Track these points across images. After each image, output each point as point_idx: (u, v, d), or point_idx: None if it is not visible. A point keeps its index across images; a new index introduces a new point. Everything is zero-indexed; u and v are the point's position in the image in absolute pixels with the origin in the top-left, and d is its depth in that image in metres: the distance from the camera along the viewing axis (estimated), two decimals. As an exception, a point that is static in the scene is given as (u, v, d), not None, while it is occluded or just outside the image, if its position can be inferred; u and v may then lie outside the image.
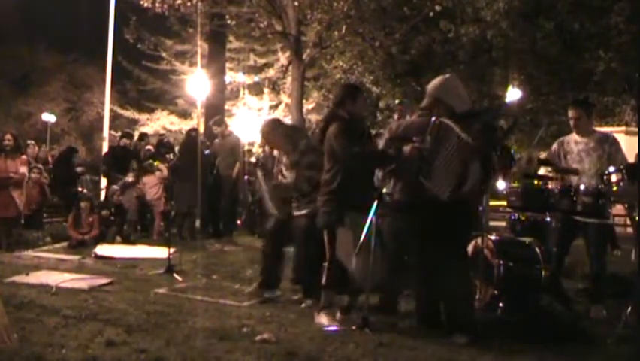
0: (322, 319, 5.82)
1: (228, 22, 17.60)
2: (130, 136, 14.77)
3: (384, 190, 6.53)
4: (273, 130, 7.12)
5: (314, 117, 24.63)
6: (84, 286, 7.05)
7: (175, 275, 8.00)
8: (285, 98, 25.32)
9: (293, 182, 6.85)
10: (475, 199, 5.80)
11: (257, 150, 17.54)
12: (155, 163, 12.93)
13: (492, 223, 8.01)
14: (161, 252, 9.20)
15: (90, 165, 17.78)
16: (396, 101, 6.63)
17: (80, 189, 14.22)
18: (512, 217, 7.57)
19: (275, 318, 5.95)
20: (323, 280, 5.93)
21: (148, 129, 25.65)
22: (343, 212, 5.78)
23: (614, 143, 6.83)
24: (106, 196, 12.97)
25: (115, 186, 12.48)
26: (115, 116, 27.74)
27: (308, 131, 16.20)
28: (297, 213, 6.71)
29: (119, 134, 15.48)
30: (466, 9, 19.25)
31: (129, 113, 28.86)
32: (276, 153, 7.61)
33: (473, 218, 5.71)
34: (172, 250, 8.59)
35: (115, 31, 21.19)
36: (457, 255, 5.55)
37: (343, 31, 16.69)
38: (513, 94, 20.80)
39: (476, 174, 5.45)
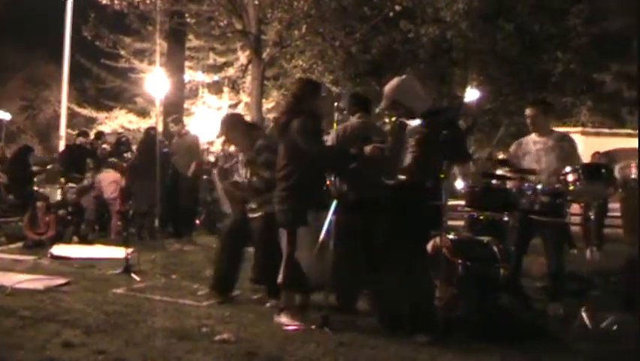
0: (282, 319, 5.81)
1: (188, 20, 17.48)
2: (86, 135, 14.61)
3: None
4: (233, 125, 7.08)
5: (273, 117, 24.61)
6: (40, 286, 6.95)
7: (133, 275, 7.91)
8: (245, 97, 25.25)
9: (247, 180, 6.82)
10: (434, 198, 5.83)
11: (217, 148, 17.46)
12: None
13: (451, 223, 8.05)
14: (119, 252, 9.10)
15: (47, 163, 17.51)
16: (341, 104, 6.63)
17: (35, 188, 14.01)
18: (471, 217, 7.63)
19: (234, 318, 5.93)
20: (281, 280, 5.91)
21: (106, 128, 25.40)
22: (305, 210, 5.77)
23: (571, 142, 6.94)
24: (62, 195, 12.79)
25: (71, 185, 12.33)
26: (73, 115, 27.42)
27: (267, 130, 16.16)
28: (253, 214, 6.69)
29: (76, 132, 15.31)
30: (426, 9, 19.37)
31: (87, 112, 28.56)
32: (232, 148, 7.56)
33: (432, 217, 5.72)
34: (130, 249, 8.49)
35: (73, 29, 20.95)
36: (416, 254, 5.58)
37: (303, 30, 16.69)
38: (472, 94, 20.99)
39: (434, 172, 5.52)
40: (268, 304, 6.47)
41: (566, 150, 6.84)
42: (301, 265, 5.84)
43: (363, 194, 6.11)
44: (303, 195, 5.80)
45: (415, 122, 5.59)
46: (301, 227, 5.80)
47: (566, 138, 7.03)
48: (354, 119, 6.67)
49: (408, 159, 5.52)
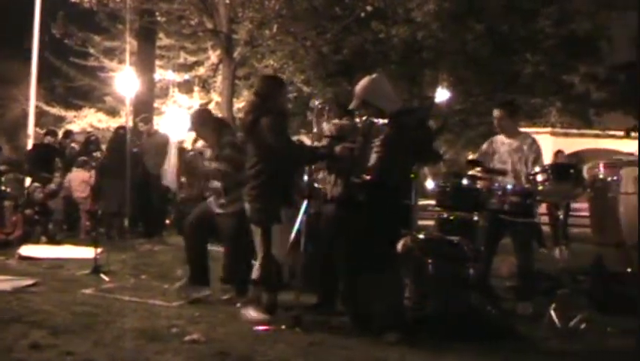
0: (250, 312, 5.83)
1: (158, 18, 17.34)
2: (54, 133, 14.48)
3: (318, 186, 6.56)
4: (203, 121, 7.06)
5: (239, 117, 24.55)
6: (7, 287, 6.86)
7: (102, 275, 7.85)
8: (216, 97, 25.12)
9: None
10: (401, 198, 5.86)
11: (188, 147, 17.37)
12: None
13: (421, 222, 8.09)
14: (88, 252, 9.01)
15: (14, 162, 17.31)
16: (316, 102, 6.65)
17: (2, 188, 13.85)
18: (441, 216, 7.66)
19: (205, 318, 5.90)
20: (255, 276, 5.89)
21: (75, 127, 25.10)
22: (278, 208, 5.77)
23: (533, 144, 7.03)
24: (28, 195, 12.65)
25: (37, 184, 12.19)
26: (41, 114, 27.07)
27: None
28: (221, 211, 6.68)
29: (44, 131, 15.15)
30: (397, 10, 19.41)
31: (56, 111, 28.22)
32: (200, 144, 7.56)
33: (400, 216, 5.75)
34: (99, 249, 8.44)
35: (42, 26, 20.71)
36: (385, 253, 5.60)
37: (275, 30, 16.65)
38: (442, 95, 21.09)
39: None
40: (238, 304, 6.45)
41: (529, 152, 6.93)
42: (278, 263, 5.86)
43: (336, 193, 6.14)
44: (275, 193, 5.80)
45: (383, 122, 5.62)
46: (279, 225, 5.79)
47: (530, 140, 7.12)
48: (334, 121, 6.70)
49: (373, 158, 5.55)
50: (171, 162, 12.56)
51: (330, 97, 17.65)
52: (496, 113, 7.22)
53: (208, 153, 7.08)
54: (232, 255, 6.82)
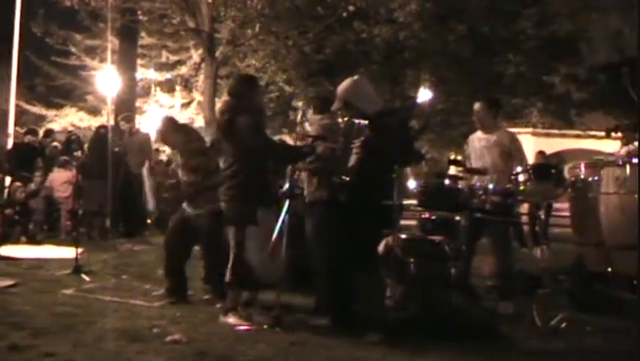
0: (230, 319, 5.80)
1: (140, 17, 17.30)
2: (35, 132, 14.39)
3: (301, 186, 6.56)
4: (171, 129, 7.06)
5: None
6: (-13, 288, 6.81)
7: (83, 276, 7.81)
8: (198, 96, 25.08)
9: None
10: (382, 198, 5.87)
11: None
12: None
13: (402, 222, 8.10)
14: (68, 252, 8.97)
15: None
16: (299, 104, 6.65)
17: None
18: (423, 216, 7.68)
19: (186, 318, 5.89)
20: (228, 279, 5.88)
21: (56, 126, 24.96)
22: (254, 209, 5.75)
23: (515, 141, 7.06)
24: (9, 194, 12.56)
25: (18, 184, 12.12)
26: (21, 113, 26.88)
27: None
28: (194, 211, 6.67)
29: (25, 130, 15.05)
30: (379, 10, 19.44)
31: (37, 109, 28.04)
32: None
33: (380, 217, 5.76)
34: (80, 249, 8.38)
35: (22, 24, 20.54)
36: (368, 254, 5.61)
37: (257, 29, 16.65)
38: (425, 95, 21.14)
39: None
40: (219, 305, 6.44)
41: (508, 146, 6.96)
42: (251, 264, 5.82)
43: (318, 194, 6.15)
44: (252, 193, 5.78)
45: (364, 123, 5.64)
46: (251, 226, 5.77)
47: (508, 135, 7.16)
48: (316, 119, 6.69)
49: (353, 159, 5.56)
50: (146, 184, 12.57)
51: (312, 95, 17.62)
52: (476, 106, 7.26)
53: (178, 158, 7.07)
54: (208, 256, 6.83)
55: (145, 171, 8.21)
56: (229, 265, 5.84)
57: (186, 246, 6.94)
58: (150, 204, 7.18)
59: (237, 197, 5.81)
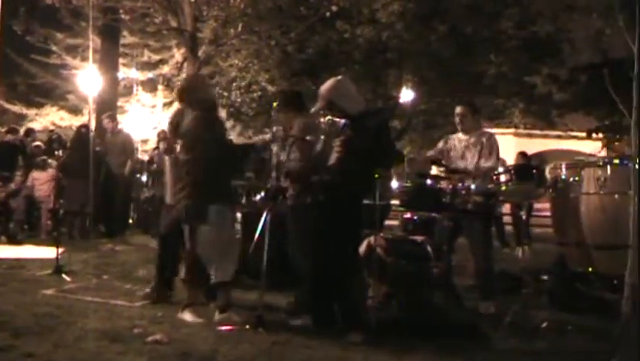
0: (186, 316, 5.85)
1: (122, 16, 17.24)
2: (15, 132, 14.30)
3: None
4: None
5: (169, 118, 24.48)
6: (-34, 288, 6.77)
7: (64, 276, 7.76)
8: (180, 96, 24.98)
9: None
10: (362, 198, 5.88)
11: (151, 146, 17.28)
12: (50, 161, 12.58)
13: (386, 222, 8.13)
14: (49, 252, 8.90)
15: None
16: (274, 104, 6.63)
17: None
18: (405, 216, 7.70)
19: (167, 318, 5.86)
20: (184, 276, 5.97)
21: (37, 125, 24.81)
22: (205, 207, 5.79)
23: (490, 138, 7.11)
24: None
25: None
26: (2, 111, 26.75)
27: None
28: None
29: (5, 129, 14.96)
30: (362, 10, 19.46)
31: (17, 108, 27.85)
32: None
33: (360, 217, 5.77)
34: (61, 249, 8.33)
35: (2, 22, 20.40)
36: (347, 254, 5.61)
37: (239, 29, 16.63)
38: (407, 95, 21.17)
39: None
40: (212, 305, 6.46)
41: (486, 145, 7.01)
42: (209, 260, 5.87)
43: (300, 194, 6.17)
44: (203, 192, 5.82)
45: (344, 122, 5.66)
46: (204, 223, 5.81)
47: (485, 134, 7.23)
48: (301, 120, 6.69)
49: (332, 159, 5.57)
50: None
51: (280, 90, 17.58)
52: (458, 110, 7.30)
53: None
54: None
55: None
56: (185, 263, 5.96)
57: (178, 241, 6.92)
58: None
59: (190, 195, 5.85)
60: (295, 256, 6.16)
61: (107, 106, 16.82)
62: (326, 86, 5.83)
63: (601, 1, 13.91)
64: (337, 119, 5.63)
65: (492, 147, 7.04)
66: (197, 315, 5.85)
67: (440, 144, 7.46)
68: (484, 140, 7.09)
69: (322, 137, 5.73)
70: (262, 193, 8.30)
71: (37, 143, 14.16)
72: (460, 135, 7.26)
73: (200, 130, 5.86)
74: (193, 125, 5.90)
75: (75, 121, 25.60)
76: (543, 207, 11.77)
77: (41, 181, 12.31)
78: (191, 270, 5.92)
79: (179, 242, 6.90)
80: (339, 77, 6.00)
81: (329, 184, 5.63)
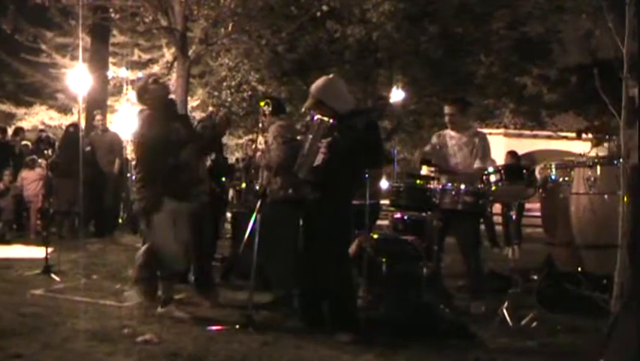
0: (169, 309, 5.97)
1: (112, 15, 17.15)
2: (4, 131, 14.23)
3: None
4: None
5: (198, 114, 24.40)
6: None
7: (53, 276, 7.73)
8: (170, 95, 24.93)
9: None
10: (352, 197, 5.89)
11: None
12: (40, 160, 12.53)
13: (375, 222, 8.13)
14: (38, 252, 8.88)
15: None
16: (262, 104, 6.64)
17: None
18: (395, 216, 7.70)
19: (157, 318, 5.85)
20: (162, 274, 6.06)
21: (26, 124, 24.72)
22: (157, 199, 5.89)
23: (483, 139, 7.12)
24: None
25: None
26: (-10, 111, 26.67)
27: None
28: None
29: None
30: (352, 10, 19.45)
31: (6, 107, 27.74)
32: None
33: (349, 217, 5.77)
34: (50, 249, 8.30)
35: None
36: (339, 253, 5.61)
37: (230, 28, 16.56)
38: (397, 95, 21.17)
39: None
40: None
41: (478, 145, 7.01)
42: (163, 253, 5.96)
43: (286, 192, 6.20)
44: (154, 185, 5.94)
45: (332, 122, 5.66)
46: (161, 216, 5.89)
47: (479, 135, 7.23)
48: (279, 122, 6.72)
49: (319, 159, 5.57)
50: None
51: (272, 96, 17.60)
52: (447, 109, 7.30)
53: None
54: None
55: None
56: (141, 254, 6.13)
57: None
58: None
59: (142, 189, 6.02)
60: (273, 252, 6.23)
61: (97, 105, 16.78)
62: (317, 84, 5.83)
63: (590, 2, 13.95)
64: (326, 119, 5.61)
65: (485, 149, 7.05)
66: (178, 308, 5.97)
67: (433, 139, 7.45)
68: (476, 140, 7.09)
69: (310, 136, 5.72)
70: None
71: (26, 142, 14.10)
72: (453, 133, 7.25)
73: (145, 129, 6.01)
74: (139, 125, 6.09)
75: (64, 120, 25.52)
76: (533, 207, 11.80)
77: (30, 180, 12.25)
78: (145, 261, 6.05)
79: None
80: (331, 76, 5.99)
81: (316, 185, 5.63)
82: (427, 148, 7.53)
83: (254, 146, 9.71)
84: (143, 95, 6.23)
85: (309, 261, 5.66)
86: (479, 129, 8.11)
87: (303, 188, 5.83)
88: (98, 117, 13.33)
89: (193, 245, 6.16)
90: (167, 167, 5.96)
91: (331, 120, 5.57)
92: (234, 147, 26.76)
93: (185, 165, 6.10)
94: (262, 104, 6.71)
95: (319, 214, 5.57)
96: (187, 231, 6.01)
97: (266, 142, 6.57)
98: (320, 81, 5.85)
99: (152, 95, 6.17)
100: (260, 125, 6.64)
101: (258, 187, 7.09)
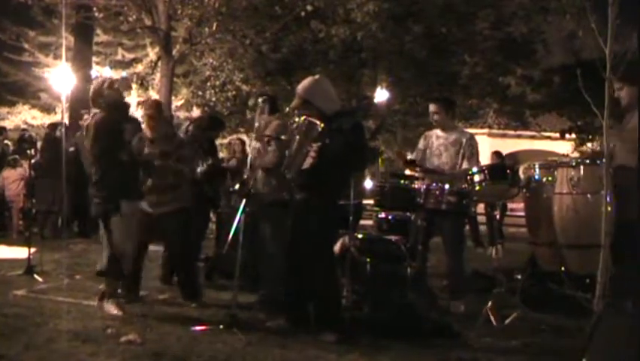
0: (109, 307, 5.99)
1: (96, 14, 17.09)
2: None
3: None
4: (159, 113, 7.18)
5: (183, 114, 24.32)
6: None
7: (35, 276, 7.69)
8: (154, 95, 24.82)
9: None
10: (339, 197, 5.89)
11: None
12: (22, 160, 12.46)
13: (360, 222, 8.13)
14: (20, 252, 8.82)
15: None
16: (259, 100, 6.62)
17: None
18: (379, 216, 7.71)
19: (140, 318, 5.83)
20: (104, 268, 6.10)
21: (8, 123, 24.57)
22: (114, 201, 5.95)
23: (471, 139, 7.13)
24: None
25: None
26: (-28, 110, 26.49)
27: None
28: (163, 209, 6.64)
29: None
30: (337, 10, 19.44)
31: (-13, 106, 27.61)
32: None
33: (335, 217, 5.78)
34: (32, 249, 8.25)
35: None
36: (321, 254, 5.61)
37: (214, 28, 16.55)
38: (381, 95, 21.19)
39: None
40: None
41: (465, 146, 7.03)
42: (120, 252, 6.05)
43: (275, 192, 6.21)
44: (110, 187, 6.00)
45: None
46: (117, 218, 5.95)
47: (466, 135, 7.23)
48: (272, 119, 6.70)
49: (307, 163, 5.56)
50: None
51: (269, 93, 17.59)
52: (432, 107, 7.32)
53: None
54: (176, 255, 6.84)
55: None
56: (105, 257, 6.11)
57: (142, 243, 6.90)
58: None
59: (99, 192, 6.08)
60: (268, 255, 6.21)
61: (80, 104, 16.62)
62: (303, 85, 5.83)
63: (574, 3, 14.03)
64: (313, 120, 5.60)
65: (473, 150, 7.05)
66: (118, 306, 5.99)
67: (420, 143, 7.44)
68: (464, 140, 7.09)
69: (297, 137, 5.71)
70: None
71: (6, 141, 14.02)
72: (439, 132, 7.25)
73: (99, 132, 6.06)
74: (93, 127, 6.11)
75: (48, 119, 25.35)
76: (517, 206, 11.85)
77: (11, 180, 12.18)
78: (108, 262, 6.07)
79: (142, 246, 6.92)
80: (317, 77, 5.99)
81: (303, 186, 5.64)
82: (414, 155, 7.53)
83: (245, 146, 9.71)
84: (97, 99, 6.23)
85: (296, 261, 5.66)
86: (465, 129, 8.12)
87: (292, 189, 5.85)
88: (86, 117, 13.25)
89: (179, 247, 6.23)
90: (122, 165, 6.05)
91: (322, 125, 5.55)
92: (219, 146, 26.69)
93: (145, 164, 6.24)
94: (260, 100, 6.68)
95: (307, 215, 5.57)
96: (140, 232, 6.23)
97: (263, 141, 6.50)
98: (307, 81, 5.85)
99: (107, 99, 6.19)
100: (256, 124, 6.56)
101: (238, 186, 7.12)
